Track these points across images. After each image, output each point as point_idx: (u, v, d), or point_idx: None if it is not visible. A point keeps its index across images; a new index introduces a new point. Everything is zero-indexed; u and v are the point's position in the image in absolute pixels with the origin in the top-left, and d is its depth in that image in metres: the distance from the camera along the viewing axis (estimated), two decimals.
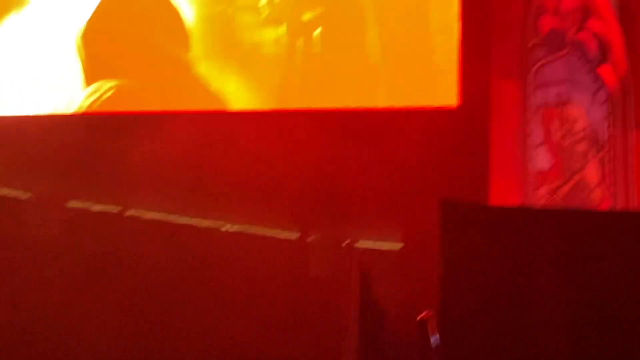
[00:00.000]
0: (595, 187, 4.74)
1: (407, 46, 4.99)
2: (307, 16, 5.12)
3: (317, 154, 4.90)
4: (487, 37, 4.90)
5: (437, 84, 4.93)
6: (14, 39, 5.42)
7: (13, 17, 5.42)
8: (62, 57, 5.34)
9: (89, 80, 5.30)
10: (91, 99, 5.27)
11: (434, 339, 3.38)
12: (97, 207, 5.25)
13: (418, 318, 3.46)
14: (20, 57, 5.39)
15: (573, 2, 5.04)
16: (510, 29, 4.95)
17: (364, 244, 4.92)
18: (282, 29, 5.15)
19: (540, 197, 4.72)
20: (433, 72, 4.94)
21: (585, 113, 4.76)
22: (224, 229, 5.09)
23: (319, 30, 5.09)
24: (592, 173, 4.74)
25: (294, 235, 5.00)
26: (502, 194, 4.74)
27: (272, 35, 5.16)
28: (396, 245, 4.86)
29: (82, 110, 5.27)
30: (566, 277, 3.25)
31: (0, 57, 5.42)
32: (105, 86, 5.26)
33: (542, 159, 4.78)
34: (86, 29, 5.32)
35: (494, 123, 4.81)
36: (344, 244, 4.94)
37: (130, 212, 5.21)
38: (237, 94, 5.14)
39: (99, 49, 5.32)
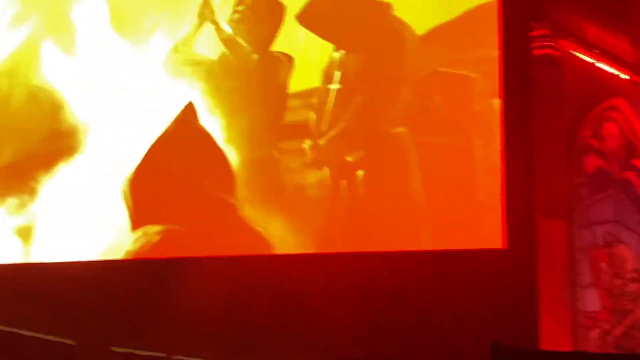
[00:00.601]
0: None
1: (451, 187, 5.00)
2: (350, 159, 5.16)
3: (362, 296, 4.87)
4: (531, 176, 4.90)
5: (482, 225, 4.90)
6: (63, 188, 5.51)
7: (62, 167, 5.53)
8: (110, 204, 5.41)
9: (135, 225, 5.34)
10: (138, 244, 5.31)
11: None
12: (143, 352, 5.22)
13: None
14: (69, 205, 5.47)
15: (616, 140, 5.05)
16: (554, 168, 4.96)
17: None
18: (326, 172, 5.19)
19: (592, 339, 4.63)
20: (477, 213, 4.92)
21: (635, 253, 4.71)
22: None
23: (361, 172, 5.12)
24: None
25: None
26: (552, 335, 4.65)
27: (316, 177, 5.20)
28: None
29: (130, 255, 5.31)
30: None
31: (49, 206, 5.49)
32: (151, 231, 5.31)
33: (592, 300, 4.72)
34: (133, 176, 5.40)
35: (541, 263, 4.76)
36: None
37: (177, 358, 5.17)
38: (282, 236, 5.15)
39: (145, 194, 5.38)
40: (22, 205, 5.49)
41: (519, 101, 4.94)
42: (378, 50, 5.27)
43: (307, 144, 5.23)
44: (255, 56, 5.50)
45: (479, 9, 5.14)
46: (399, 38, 5.26)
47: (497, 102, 4.95)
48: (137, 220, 5.35)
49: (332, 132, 5.23)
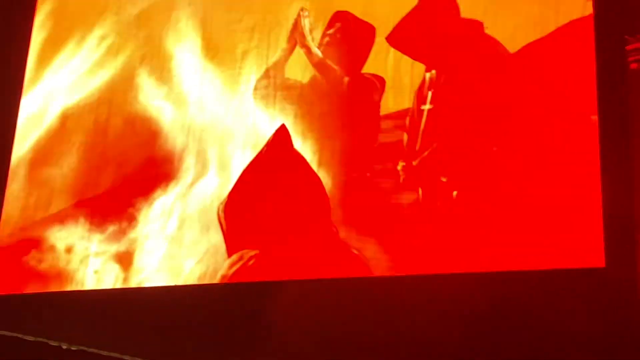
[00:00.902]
0: None
1: (548, 205, 4.93)
2: (444, 179, 5.14)
3: (461, 317, 4.83)
4: (630, 192, 4.82)
5: (581, 243, 4.83)
6: (160, 214, 5.59)
7: (159, 194, 5.62)
8: (206, 228, 5.47)
9: (231, 250, 5.39)
10: (234, 269, 5.35)
11: None
12: None
13: None
14: (167, 231, 5.55)
15: None
16: None
17: None
18: (420, 193, 5.18)
19: None
20: (576, 231, 4.85)
21: None
22: None
23: (456, 192, 5.09)
24: None
25: None
26: None
27: (410, 198, 5.19)
28: None
29: (226, 279, 5.36)
30: None
31: (148, 232, 5.58)
32: (247, 255, 5.35)
33: None
34: (227, 201, 5.46)
35: None
36: None
37: None
38: (377, 258, 5.15)
39: (240, 219, 5.43)
40: (121, 232, 5.59)
41: (616, 117, 4.87)
42: (470, 70, 5.25)
43: (400, 165, 5.23)
44: (346, 79, 5.52)
45: (572, 24, 5.09)
46: (491, 57, 5.23)
47: (594, 119, 4.89)
48: (233, 244, 5.40)
49: (426, 153, 5.22)
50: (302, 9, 5.64)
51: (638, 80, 4.98)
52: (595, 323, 4.60)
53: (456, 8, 5.35)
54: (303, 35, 5.61)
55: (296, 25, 5.63)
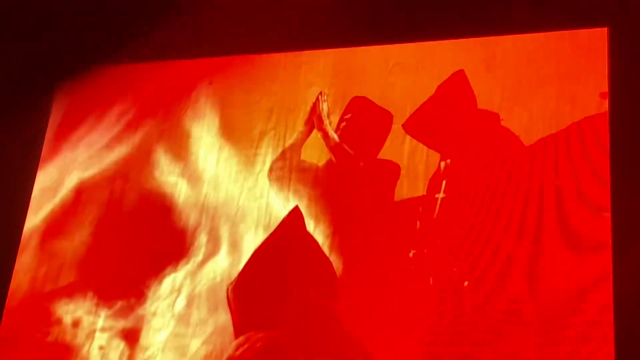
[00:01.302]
0: None
1: (561, 297, 4.89)
2: (456, 269, 5.11)
3: None
4: None
5: (592, 338, 4.78)
6: (169, 292, 5.58)
7: (170, 271, 5.61)
8: (214, 308, 5.45)
9: (238, 332, 5.36)
10: (241, 350, 5.31)
11: None
12: None
13: None
14: (179, 309, 5.53)
15: None
16: None
17: None
18: (431, 281, 5.15)
19: None
20: (587, 325, 4.80)
21: None
22: None
23: (467, 283, 5.06)
24: None
25: None
26: None
27: (420, 287, 5.15)
28: None
29: None
30: None
31: (156, 309, 5.56)
32: (254, 337, 5.31)
33: None
34: (237, 281, 5.44)
35: None
36: None
37: None
38: (386, 347, 5.10)
39: (249, 300, 5.41)
40: (129, 308, 5.57)
41: (630, 213, 4.86)
42: (485, 161, 5.26)
43: (412, 253, 5.21)
44: (362, 164, 5.53)
45: (588, 120, 5.11)
46: (506, 149, 5.24)
47: (606, 215, 4.88)
48: (241, 325, 5.37)
49: (438, 242, 5.20)
50: (321, 93, 5.69)
51: None
52: None
53: (473, 99, 5.38)
54: (320, 119, 5.64)
55: (314, 109, 5.67)
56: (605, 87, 5.10)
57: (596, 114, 5.08)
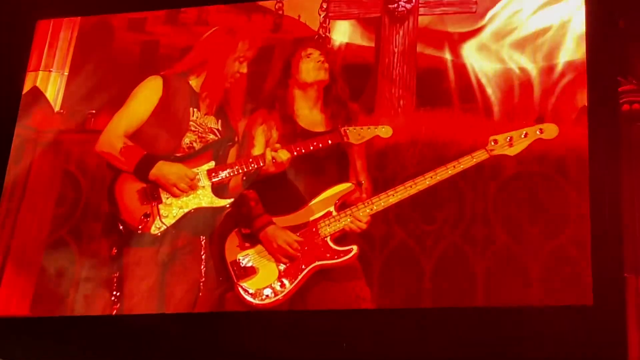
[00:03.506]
0: None
1: (538, 242, 4.98)
2: None
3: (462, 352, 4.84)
4: (618, 233, 4.87)
5: (570, 282, 4.87)
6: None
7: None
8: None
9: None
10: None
11: None
12: None
13: None
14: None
15: None
16: None
17: None
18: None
19: None
20: (565, 269, 4.90)
21: None
22: None
23: None
24: None
25: None
26: None
27: None
28: None
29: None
30: None
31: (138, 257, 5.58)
32: None
33: None
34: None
35: (631, 321, 4.72)
36: None
37: None
38: None
39: None
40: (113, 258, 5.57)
41: (607, 157, 4.92)
42: None
43: None
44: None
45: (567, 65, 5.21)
46: None
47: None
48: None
49: None
50: None
51: (629, 121, 5.06)
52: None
53: None
54: None
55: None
56: None
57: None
